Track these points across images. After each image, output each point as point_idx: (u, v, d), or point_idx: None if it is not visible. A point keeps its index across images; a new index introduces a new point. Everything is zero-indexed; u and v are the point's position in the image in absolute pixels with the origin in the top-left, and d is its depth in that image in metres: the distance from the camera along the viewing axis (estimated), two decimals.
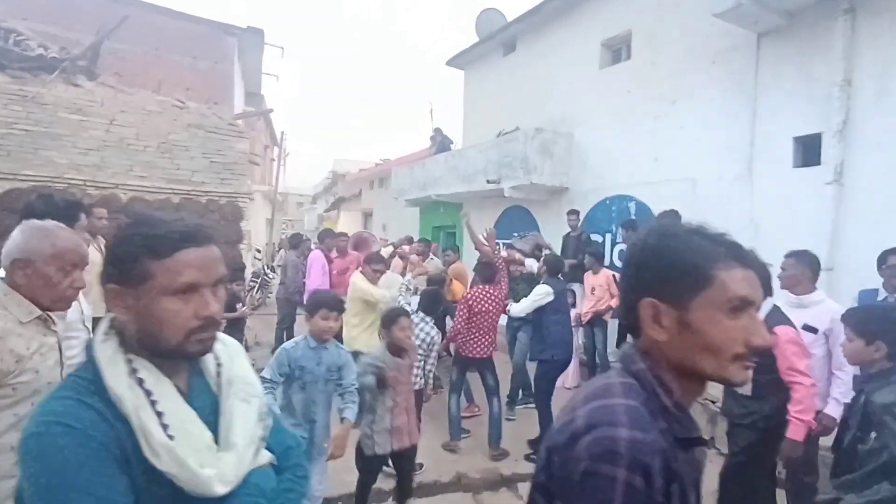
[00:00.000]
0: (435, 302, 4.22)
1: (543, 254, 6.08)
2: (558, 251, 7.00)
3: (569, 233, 6.89)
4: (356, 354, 4.59)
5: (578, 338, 5.96)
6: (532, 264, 5.81)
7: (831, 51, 4.70)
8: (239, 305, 5.74)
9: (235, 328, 5.74)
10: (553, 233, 8.19)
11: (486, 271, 4.75)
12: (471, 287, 5.17)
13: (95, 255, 4.16)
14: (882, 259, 3.46)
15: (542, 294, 4.55)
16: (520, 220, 9.01)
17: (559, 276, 4.83)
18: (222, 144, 6.83)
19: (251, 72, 18.23)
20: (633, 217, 6.61)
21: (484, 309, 4.52)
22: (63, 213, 2.04)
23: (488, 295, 4.58)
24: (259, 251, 13.65)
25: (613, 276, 5.96)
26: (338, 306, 2.92)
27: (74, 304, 2.08)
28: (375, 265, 4.69)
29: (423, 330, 3.96)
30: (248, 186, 7.19)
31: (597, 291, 5.96)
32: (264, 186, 25.21)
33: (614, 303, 5.83)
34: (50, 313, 1.58)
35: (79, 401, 0.85)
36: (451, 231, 11.44)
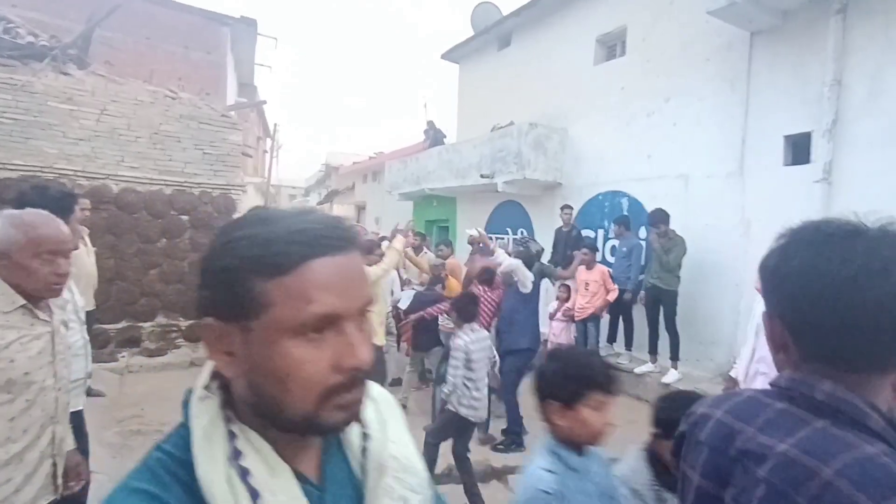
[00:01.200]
0: (472, 304, 3.91)
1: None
2: (549, 246, 7.05)
3: (560, 227, 6.94)
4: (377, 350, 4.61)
5: (571, 333, 5.98)
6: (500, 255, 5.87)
7: (823, 51, 4.75)
8: None
9: None
10: (546, 228, 8.24)
11: (485, 274, 4.82)
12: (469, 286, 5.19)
13: (82, 248, 4.15)
14: None
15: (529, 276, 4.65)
16: (513, 216, 9.04)
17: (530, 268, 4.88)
18: (215, 136, 6.77)
19: (244, 62, 18.08)
20: (626, 213, 6.65)
21: (480, 311, 4.57)
22: (58, 205, 2.03)
23: (486, 297, 4.64)
24: None
25: (609, 271, 6.01)
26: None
27: (67, 293, 2.08)
28: (370, 255, 4.68)
29: (480, 339, 3.72)
30: (242, 178, 7.15)
31: (591, 287, 5.95)
32: (256, 178, 25.04)
33: (611, 297, 5.93)
34: (39, 303, 1.58)
35: (153, 498, 0.56)
36: (444, 225, 11.45)
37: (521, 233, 8.66)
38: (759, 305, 2.91)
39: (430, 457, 3.52)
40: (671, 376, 5.54)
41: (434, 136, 11.91)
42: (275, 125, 23.86)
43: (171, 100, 6.57)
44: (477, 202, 10.00)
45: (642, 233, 6.55)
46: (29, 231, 1.51)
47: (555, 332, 5.99)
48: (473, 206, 10.16)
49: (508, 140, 7.86)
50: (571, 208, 6.85)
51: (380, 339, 4.60)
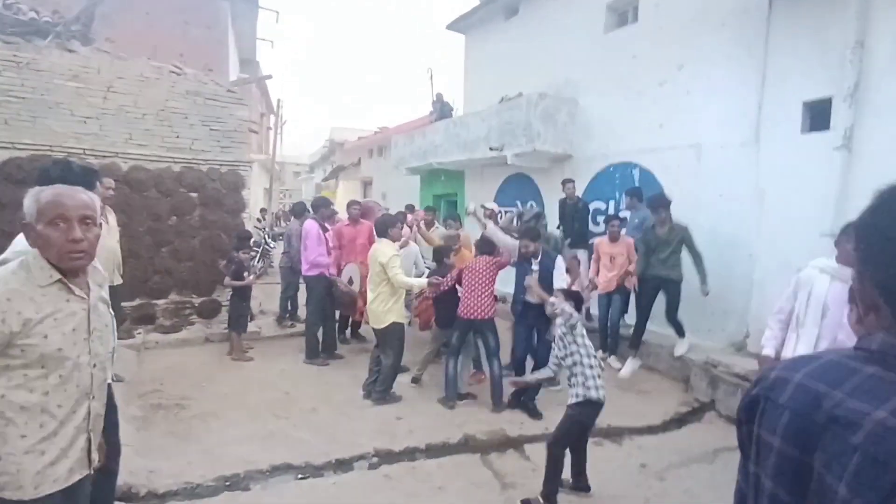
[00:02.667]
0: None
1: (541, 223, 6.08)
2: (556, 218, 7.02)
3: (563, 199, 6.91)
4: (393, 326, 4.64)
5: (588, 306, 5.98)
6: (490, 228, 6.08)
7: (845, 11, 4.59)
8: (246, 274, 5.77)
9: (242, 296, 5.79)
10: (555, 200, 8.17)
11: (486, 246, 4.86)
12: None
13: (104, 226, 4.18)
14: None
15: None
16: (522, 188, 8.97)
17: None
18: (221, 112, 6.70)
19: (245, 38, 17.82)
20: (637, 185, 6.58)
21: (473, 267, 4.67)
22: (81, 181, 2.02)
23: (482, 260, 4.69)
24: (260, 220, 13.60)
25: (633, 243, 5.87)
26: None
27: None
28: (394, 228, 4.75)
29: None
30: (249, 154, 7.11)
31: (617, 260, 5.83)
32: (261, 155, 24.95)
33: (632, 268, 5.75)
34: (76, 279, 1.59)
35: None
36: (452, 200, 11.40)
37: (531, 205, 8.61)
38: (821, 285, 2.77)
39: (557, 469, 3.14)
40: (682, 347, 5.52)
41: (441, 110, 11.76)
42: (278, 101, 23.63)
43: (176, 76, 6.49)
44: (485, 176, 9.92)
45: None
46: (40, 199, 1.52)
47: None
48: (482, 180, 10.09)
49: (517, 112, 7.74)
50: (573, 181, 6.81)
51: (398, 315, 4.63)
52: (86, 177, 2.12)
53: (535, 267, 4.63)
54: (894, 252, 0.69)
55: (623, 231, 6.23)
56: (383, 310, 4.60)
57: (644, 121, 6.62)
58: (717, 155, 5.75)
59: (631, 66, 6.83)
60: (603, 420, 4.42)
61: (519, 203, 9.04)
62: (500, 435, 4.11)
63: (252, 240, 12.16)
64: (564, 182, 6.87)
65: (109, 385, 2.16)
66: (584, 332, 3.35)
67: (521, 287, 4.65)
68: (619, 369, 5.56)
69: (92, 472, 1.67)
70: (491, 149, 8.23)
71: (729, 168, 5.63)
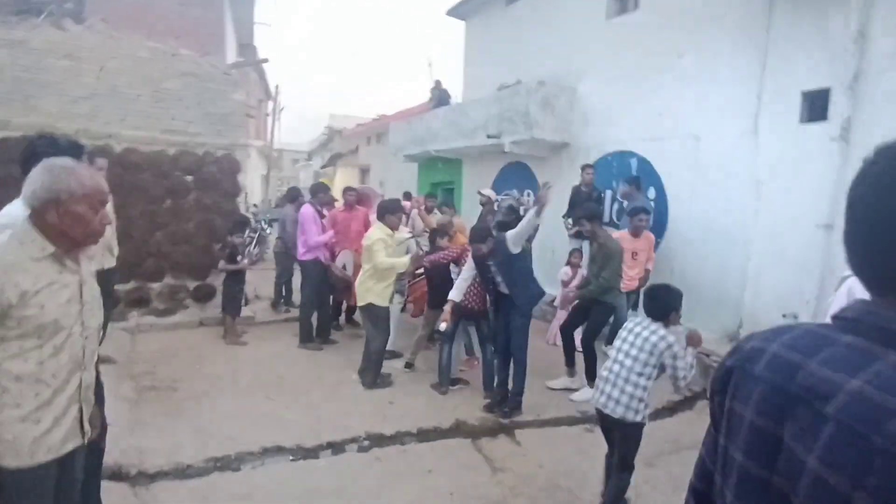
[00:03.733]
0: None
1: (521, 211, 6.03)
2: (565, 205, 6.95)
3: (578, 186, 6.70)
4: (370, 307, 4.66)
5: None
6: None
7: (847, 2, 4.54)
8: (239, 258, 5.75)
9: (236, 280, 5.77)
10: (554, 189, 8.13)
11: (480, 236, 4.82)
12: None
13: None
14: None
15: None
16: (519, 177, 8.93)
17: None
18: (217, 94, 6.63)
19: (243, 21, 17.61)
20: (636, 174, 6.55)
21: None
22: (67, 155, 2.01)
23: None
24: (256, 206, 13.55)
25: (654, 239, 5.75)
26: None
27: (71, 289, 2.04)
28: (394, 215, 4.74)
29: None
30: (245, 139, 7.05)
31: (640, 256, 5.45)
32: (259, 142, 24.80)
33: (650, 266, 5.65)
34: (69, 253, 1.61)
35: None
36: (449, 187, 11.35)
37: (528, 194, 8.58)
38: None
39: (623, 487, 2.92)
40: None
41: (440, 97, 11.68)
42: (276, 86, 23.47)
43: (171, 56, 6.42)
44: (483, 163, 9.87)
45: (651, 193, 6.48)
46: (84, 181, 1.56)
47: (569, 299, 5.27)
48: (479, 168, 10.05)
49: (516, 99, 7.69)
50: (592, 167, 6.64)
51: (378, 297, 4.63)
52: (72, 151, 2.10)
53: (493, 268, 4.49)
54: (876, 216, 0.67)
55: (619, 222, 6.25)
56: (363, 289, 4.66)
57: (643, 109, 6.57)
58: (716, 145, 5.73)
59: (631, 54, 6.77)
60: (588, 417, 4.47)
61: (516, 191, 9.01)
62: (492, 420, 4.12)
63: (249, 225, 12.21)
64: (583, 168, 6.68)
65: (97, 362, 2.16)
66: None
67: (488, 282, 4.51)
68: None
69: (85, 442, 1.69)
70: (489, 136, 8.19)
71: (727, 158, 5.60)
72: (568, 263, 6.22)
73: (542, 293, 4.58)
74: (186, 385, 4.45)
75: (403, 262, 4.68)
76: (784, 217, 5.09)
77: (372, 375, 4.69)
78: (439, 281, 4.94)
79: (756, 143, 5.34)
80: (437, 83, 12.03)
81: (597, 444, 3.83)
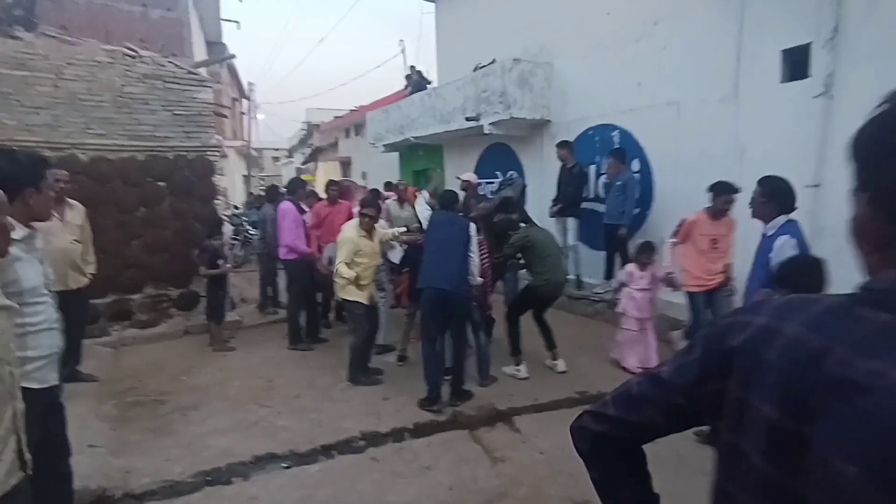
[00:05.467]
0: None
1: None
2: (551, 188, 6.86)
3: (563, 166, 6.62)
4: (346, 304, 4.55)
5: (655, 304, 4.84)
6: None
7: None
8: (220, 262, 5.58)
9: (219, 285, 5.61)
10: (535, 168, 8.04)
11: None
12: None
13: (56, 223, 3.93)
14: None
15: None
16: (502, 159, 8.80)
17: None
18: (183, 95, 6.39)
19: (209, 19, 17.14)
20: (618, 146, 6.45)
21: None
22: (28, 171, 1.89)
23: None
24: (238, 208, 13.30)
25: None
26: None
27: (38, 266, 1.93)
28: (364, 210, 4.51)
29: None
30: (216, 139, 6.83)
31: (721, 244, 4.23)
32: (237, 142, 24.39)
33: (730, 260, 4.36)
34: None
35: None
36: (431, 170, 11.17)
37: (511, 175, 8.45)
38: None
39: None
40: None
41: (416, 83, 11.45)
42: (249, 84, 23.01)
43: (131, 59, 6.16)
44: (464, 148, 9.71)
45: (635, 165, 6.38)
46: None
47: (637, 304, 4.67)
48: (461, 153, 9.89)
49: (492, 79, 7.52)
50: (568, 144, 6.54)
51: (353, 294, 4.50)
52: (34, 167, 1.94)
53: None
54: None
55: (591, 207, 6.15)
56: (339, 283, 4.52)
57: (621, 80, 6.45)
58: (697, 112, 5.62)
59: (605, 24, 6.62)
60: (592, 386, 4.42)
61: (499, 174, 8.87)
62: (489, 409, 4.03)
63: (232, 228, 11.97)
64: (559, 145, 6.56)
65: (55, 388, 2.02)
66: None
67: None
68: None
69: (28, 473, 1.57)
70: (467, 119, 8.03)
71: (709, 125, 5.51)
72: (636, 261, 4.83)
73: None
74: (173, 398, 4.31)
75: (344, 273, 4.40)
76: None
77: (353, 372, 4.59)
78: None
79: (737, 106, 5.25)
80: (413, 69, 11.79)
81: None
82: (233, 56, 13.09)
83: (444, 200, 4.52)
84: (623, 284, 4.88)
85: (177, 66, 6.39)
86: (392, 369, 4.91)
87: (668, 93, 5.89)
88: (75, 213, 4.35)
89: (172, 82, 6.32)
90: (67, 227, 4.19)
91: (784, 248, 2.81)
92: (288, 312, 5.74)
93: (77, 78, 5.84)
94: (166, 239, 6.42)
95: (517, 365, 4.72)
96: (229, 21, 19.97)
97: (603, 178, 6.66)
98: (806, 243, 2.92)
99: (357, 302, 4.50)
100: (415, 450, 3.51)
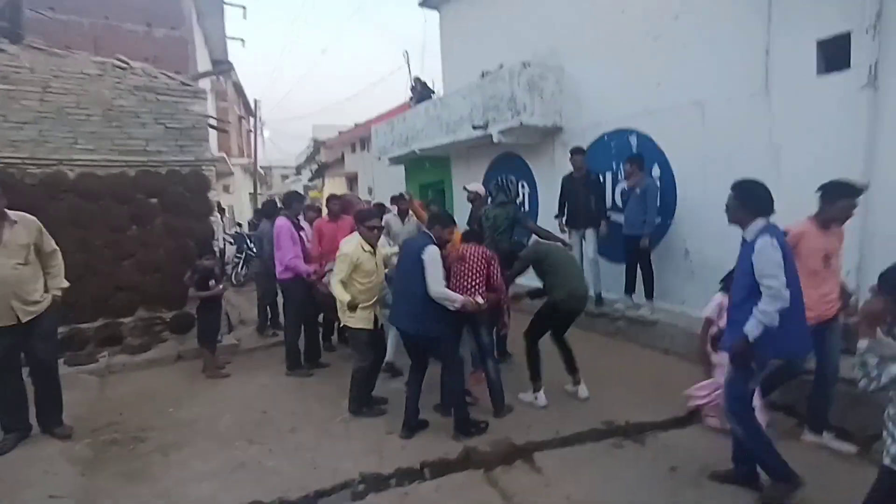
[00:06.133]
0: None
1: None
2: (555, 197, 6.45)
3: (570, 174, 6.18)
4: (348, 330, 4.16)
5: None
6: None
7: None
8: (213, 283, 5.20)
9: (211, 308, 5.24)
10: (549, 178, 7.64)
11: (475, 235, 4.46)
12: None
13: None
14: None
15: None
16: (512, 169, 8.39)
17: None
18: (176, 108, 6.09)
19: (214, 38, 17.11)
20: (636, 152, 6.02)
21: (462, 255, 4.05)
22: None
23: (472, 248, 4.10)
24: (240, 225, 13.02)
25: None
26: None
27: None
28: (371, 222, 4.11)
29: None
30: (221, 154, 6.52)
31: (833, 262, 3.34)
32: (244, 159, 24.33)
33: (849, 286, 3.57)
34: None
35: None
36: (439, 188, 10.81)
37: (522, 184, 8.07)
38: None
39: None
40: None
41: (421, 93, 11.13)
42: (255, 101, 22.98)
43: (121, 71, 5.88)
44: (472, 158, 9.35)
45: (655, 171, 5.96)
46: None
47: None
48: (468, 164, 9.52)
49: (500, 84, 7.16)
50: (583, 151, 6.10)
51: (357, 321, 4.07)
52: None
53: None
54: None
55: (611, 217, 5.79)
56: (340, 309, 4.12)
57: (639, 81, 6.05)
58: (724, 110, 5.20)
59: (620, 23, 6.24)
60: (619, 415, 3.95)
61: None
62: (506, 444, 3.58)
63: (234, 246, 11.66)
64: (573, 153, 6.08)
65: None
66: None
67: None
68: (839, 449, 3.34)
69: None
70: (475, 127, 7.66)
71: (738, 124, 5.07)
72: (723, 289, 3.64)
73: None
74: (156, 435, 3.90)
75: (339, 295, 3.98)
76: (810, 182, 4.53)
77: (354, 402, 4.17)
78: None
79: (769, 103, 4.82)
80: (417, 79, 11.49)
81: (629, 463, 3.32)
82: (230, 67, 12.83)
83: (429, 221, 4.15)
84: (711, 321, 3.68)
85: (169, 76, 6.11)
86: (398, 397, 4.45)
87: (691, 92, 5.48)
88: (18, 230, 3.54)
89: (165, 94, 6.03)
90: (7, 250, 3.48)
91: (764, 251, 2.61)
92: (286, 335, 5.34)
93: (65, 91, 5.57)
94: (159, 258, 6.07)
95: (535, 392, 4.26)
96: (234, 39, 19.99)
97: (622, 185, 6.21)
98: (786, 244, 2.70)
99: (359, 328, 4.09)
100: (422, 495, 3.07)
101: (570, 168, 7.13)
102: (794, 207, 4.64)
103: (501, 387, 4.09)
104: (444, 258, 3.87)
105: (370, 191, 15.95)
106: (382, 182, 14.01)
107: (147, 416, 4.26)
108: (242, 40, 17.29)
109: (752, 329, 2.62)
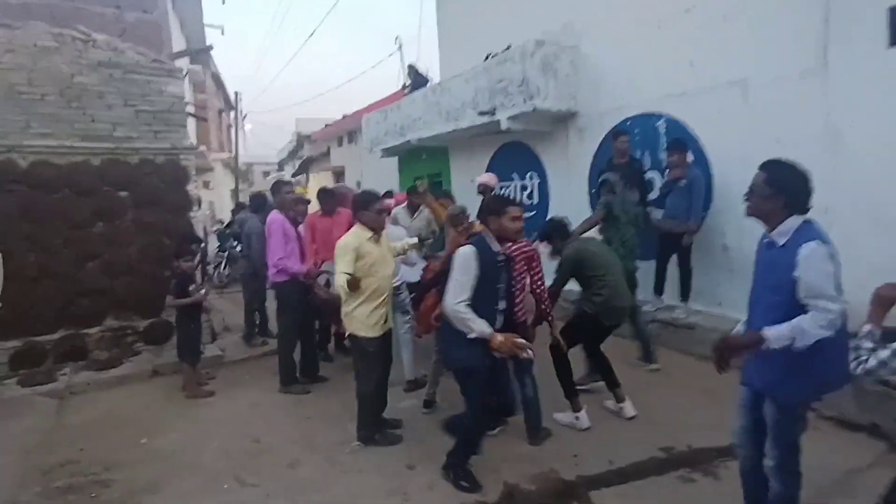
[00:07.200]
0: None
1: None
2: (580, 192, 5.85)
3: (609, 160, 5.36)
4: (353, 339, 3.49)
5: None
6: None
7: None
8: (192, 287, 4.49)
9: (191, 316, 4.52)
10: (562, 170, 7.07)
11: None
12: None
13: None
14: None
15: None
16: (518, 160, 7.80)
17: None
18: (148, 88, 5.35)
19: (191, 24, 16.19)
20: (667, 138, 5.47)
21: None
22: None
23: (518, 247, 3.42)
24: (222, 221, 12.20)
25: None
26: None
27: None
28: (375, 205, 3.41)
29: None
30: (191, 140, 5.78)
31: None
32: (224, 154, 23.34)
33: None
34: None
35: None
36: (436, 180, 10.16)
37: (530, 176, 7.47)
38: None
39: None
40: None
41: (416, 81, 10.47)
42: (236, 93, 22.02)
43: (82, 43, 5.12)
44: (473, 149, 8.73)
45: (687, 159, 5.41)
46: None
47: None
48: (469, 154, 8.90)
49: (510, 66, 6.54)
50: (626, 133, 5.34)
51: (360, 325, 3.37)
52: None
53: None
54: None
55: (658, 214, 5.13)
56: (343, 313, 3.41)
57: (668, 60, 5.48)
58: (771, 90, 4.66)
59: None
60: (677, 438, 3.39)
61: (516, 176, 7.88)
62: (553, 480, 2.98)
63: (217, 244, 10.85)
64: (615, 135, 5.28)
65: None
66: None
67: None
68: None
69: None
70: (481, 113, 7.03)
71: (788, 105, 4.54)
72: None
73: None
74: (125, 474, 3.21)
75: (343, 286, 3.22)
76: (875, 170, 4.04)
77: (363, 427, 3.52)
78: None
79: (826, 81, 4.28)
80: (412, 67, 10.82)
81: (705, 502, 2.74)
82: (210, 48, 11.98)
83: (481, 212, 3.51)
84: None
85: (138, 52, 5.35)
86: (415, 418, 3.84)
87: (730, 71, 4.93)
88: None
89: (134, 72, 5.29)
90: None
91: (814, 261, 1.93)
92: (279, 346, 4.65)
93: (15, 66, 4.81)
94: (130, 259, 5.34)
95: (575, 412, 3.66)
96: (213, 27, 19.01)
97: (666, 175, 5.49)
98: (836, 252, 2.01)
99: (367, 337, 3.42)
100: None
101: (585, 156, 6.58)
102: (856, 200, 4.17)
103: (539, 407, 3.48)
104: (509, 262, 3.01)
105: (359, 185, 15.23)
106: (372, 176, 13.31)
107: (114, 448, 3.56)
108: (222, 28, 16.37)
109: (778, 337, 1.94)
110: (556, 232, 3.86)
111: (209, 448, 3.56)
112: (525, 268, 3.37)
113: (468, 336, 2.73)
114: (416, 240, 4.20)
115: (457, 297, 2.73)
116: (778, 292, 2.02)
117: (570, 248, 3.72)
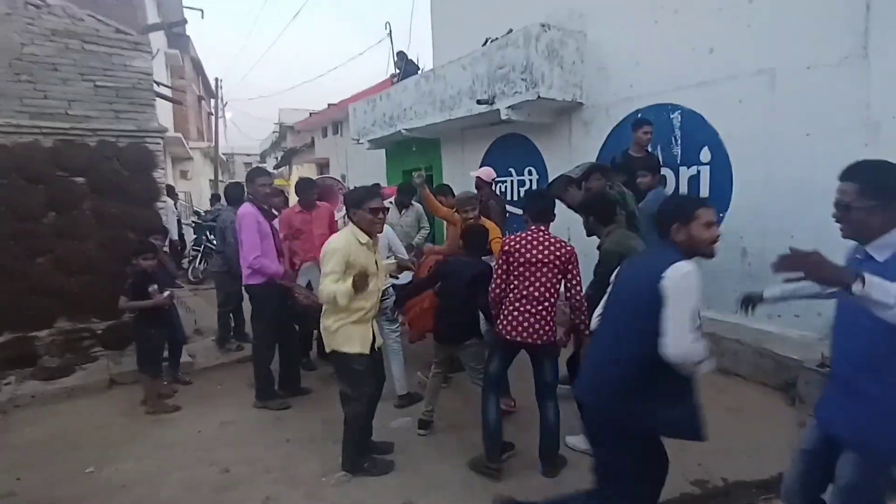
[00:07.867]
0: None
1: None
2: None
3: (625, 151, 4.97)
4: (335, 355, 3.00)
5: None
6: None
7: None
8: (152, 289, 3.93)
9: (151, 321, 3.97)
10: (562, 164, 6.60)
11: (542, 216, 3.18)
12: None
13: None
14: None
15: None
16: (516, 153, 7.34)
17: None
18: (110, 61, 4.76)
19: (169, 6, 15.43)
20: (681, 131, 5.06)
21: (532, 258, 2.89)
22: None
23: (536, 240, 2.94)
24: (199, 213, 11.54)
25: None
26: None
27: None
28: (372, 203, 2.89)
29: None
30: (158, 121, 5.20)
31: None
32: (203, 144, 22.49)
33: None
34: None
35: None
36: (427, 174, 9.66)
37: (529, 170, 7.02)
38: None
39: None
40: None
41: (406, 69, 9.94)
42: (216, 80, 21.23)
43: (35, 9, 4.51)
44: (467, 141, 8.25)
45: (704, 155, 5.02)
46: None
47: None
48: (462, 147, 8.42)
49: (512, 51, 6.06)
50: (651, 124, 4.91)
51: (347, 341, 2.87)
52: None
53: None
54: None
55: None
56: (322, 327, 2.94)
57: (684, 47, 5.06)
58: (802, 80, 4.26)
59: None
60: (709, 470, 2.97)
61: (513, 171, 7.43)
62: None
63: (193, 237, 10.22)
64: (636, 126, 4.86)
65: None
66: None
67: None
68: None
69: None
70: (479, 102, 6.54)
71: (821, 97, 4.15)
72: None
73: None
74: None
75: (343, 291, 2.72)
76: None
77: (350, 455, 3.03)
78: (452, 301, 3.31)
79: (867, 69, 3.90)
80: (402, 54, 10.29)
81: None
82: (184, 21, 11.26)
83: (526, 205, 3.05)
84: None
85: (100, 20, 4.75)
86: (409, 441, 3.37)
87: (756, 58, 4.52)
88: None
89: (94, 43, 4.69)
90: None
91: None
92: (254, 356, 4.13)
93: None
94: (87, 254, 4.76)
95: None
96: (192, 9, 18.20)
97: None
98: None
99: (351, 353, 2.91)
100: None
101: (589, 151, 6.16)
102: None
103: (558, 435, 3.03)
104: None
105: (344, 178, 14.66)
106: (358, 169, 12.75)
107: (59, 478, 3.02)
108: (201, 11, 15.64)
109: (881, 288, 1.40)
110: (605, 207, 3.28)
111: (169, 480, 3.04)
112: (560, 269, 2.89)
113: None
114: (394, 262, 3.70)
115: (690, 333, 1.80)
116: (886, 335, 1.54)
117: (613, 242, 3.12)
